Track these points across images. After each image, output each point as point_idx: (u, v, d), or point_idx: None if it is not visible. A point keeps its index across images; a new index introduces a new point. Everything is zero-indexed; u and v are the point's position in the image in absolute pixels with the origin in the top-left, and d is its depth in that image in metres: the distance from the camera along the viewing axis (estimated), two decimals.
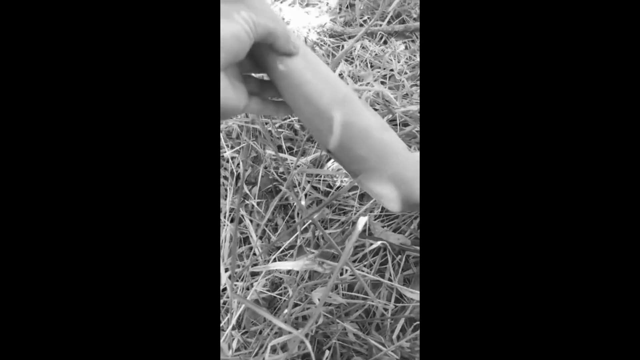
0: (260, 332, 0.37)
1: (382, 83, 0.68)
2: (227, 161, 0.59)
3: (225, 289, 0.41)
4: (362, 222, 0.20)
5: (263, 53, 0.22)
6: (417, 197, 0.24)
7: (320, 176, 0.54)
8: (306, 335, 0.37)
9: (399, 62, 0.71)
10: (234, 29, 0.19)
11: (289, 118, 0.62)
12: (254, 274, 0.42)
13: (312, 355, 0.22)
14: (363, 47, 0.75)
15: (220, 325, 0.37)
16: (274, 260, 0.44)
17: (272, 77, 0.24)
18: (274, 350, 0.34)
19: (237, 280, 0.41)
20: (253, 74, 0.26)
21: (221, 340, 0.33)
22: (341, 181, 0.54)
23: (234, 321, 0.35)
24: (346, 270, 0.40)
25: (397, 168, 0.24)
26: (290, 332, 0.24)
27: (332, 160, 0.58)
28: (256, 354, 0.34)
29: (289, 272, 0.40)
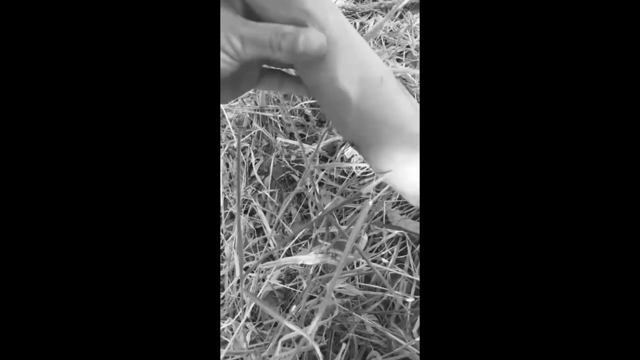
0: (276, 325, 0.37)
1: (398, 61, 0.64)
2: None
3: (239, 281, 0.41)
4: (367, 206, 0.18)
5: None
6: None
7: (337, 167, 0.52)
8: (322, 328, 0.35)
9: (415, 37, 0.66)
10: None
11: (300, 104, 0.59)
12: (269, 266, 0.41)
13: (318, 351, 0.21)
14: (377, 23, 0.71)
15: (236, 316, 0.37)
16: (288, 250, 0.43)
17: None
18: (289, 343, 0.33)
19: (252, 272, 0.40)
20: None
21: (235, 332, 0.33)
22: (356, 168, 0.52)
23: (247, 314, 0.34)
24: (363, 261, 0.39)
25: None
26: (300, 330, 0.23)
27: (344, 146, 0.55)
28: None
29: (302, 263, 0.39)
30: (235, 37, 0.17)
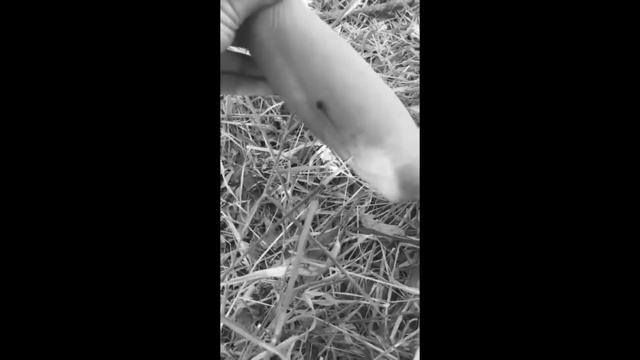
0: (249, 343, 0.35)
1: None
2: None
3: None
4: (314, 205, 0.17)
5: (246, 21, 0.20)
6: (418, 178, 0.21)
7: (307, 170, 0.51)
8: (298, 342, 0.34)
9: (381, 43, 0.67)
10: None
11: (270, 112, 0.58)
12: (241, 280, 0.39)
13: None
14: (343, 31, 0.72)
15: None
16: (262, 263, 0.41)
17: (257, 38, 0.21)
18: None
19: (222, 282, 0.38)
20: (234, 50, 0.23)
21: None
22: (328, 172, 0.51)
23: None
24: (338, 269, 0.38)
25: (401, 134, 0.21)
26: (268, 346, 0.22)
27: (319, 151, 0.55)
28: None
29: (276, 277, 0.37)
30: (225, 2, 0.17)
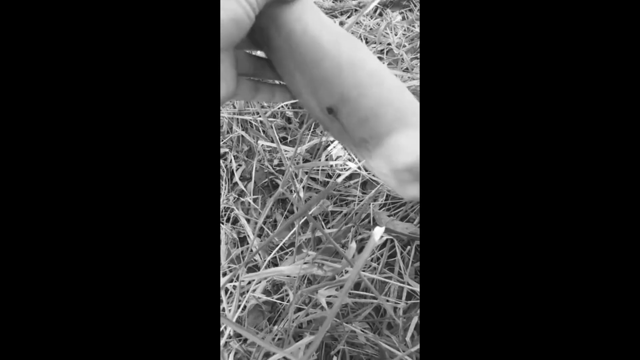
0: (263, 339, 0.34)
1: (380, 59, 0.63)
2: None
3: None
4: (378, 233, 0.17)
5: (262, 21, 0.19)
6: None
7: (319, 166, 0.51)
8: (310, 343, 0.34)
9: (396, 34, 0.65)
10: (235, 13, 0.16)
11: (281, 107, 0.58)
12: (253, 276, 0.39)
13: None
14: (357, 22, 0.70)
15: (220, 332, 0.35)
16: (273, 259, 0.41)
17: (272, 42, 0.20)
18: None
19: (234, 281, 0.38)
20: (247, 51, 0.22)
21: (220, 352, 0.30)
22: (341, 168, 0.50)
23: (231, 330, 0.32)
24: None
25: (414, 133, 0.20)
26: (280, 350, 0.21)
27: (330, 147, 0.53)
28: None
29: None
30: None
